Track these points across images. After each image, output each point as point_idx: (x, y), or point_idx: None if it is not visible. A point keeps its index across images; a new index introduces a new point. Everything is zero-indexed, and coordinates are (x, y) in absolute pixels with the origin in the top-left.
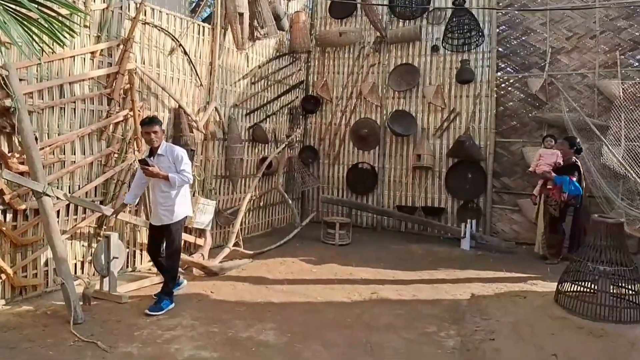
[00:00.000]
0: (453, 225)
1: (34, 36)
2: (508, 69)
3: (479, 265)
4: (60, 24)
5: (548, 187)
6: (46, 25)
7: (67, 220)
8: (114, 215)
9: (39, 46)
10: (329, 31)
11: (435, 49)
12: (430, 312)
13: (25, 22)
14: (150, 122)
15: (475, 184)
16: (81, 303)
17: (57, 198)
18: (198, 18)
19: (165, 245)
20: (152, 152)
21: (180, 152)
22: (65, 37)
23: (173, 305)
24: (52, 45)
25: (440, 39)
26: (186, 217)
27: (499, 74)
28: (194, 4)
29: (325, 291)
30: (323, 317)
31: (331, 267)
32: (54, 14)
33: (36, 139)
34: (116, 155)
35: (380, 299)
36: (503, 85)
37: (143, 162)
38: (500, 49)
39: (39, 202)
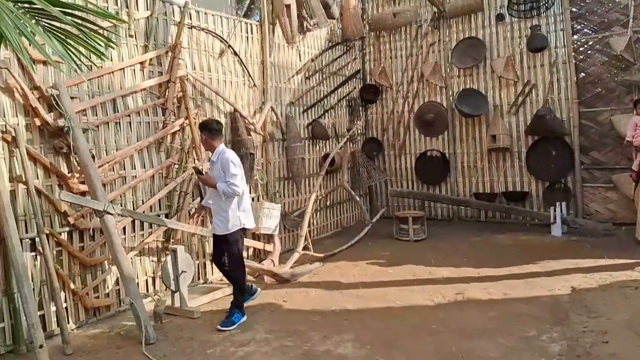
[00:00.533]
0: (540, 210)
1: (73, 51)
2: (585, 30)
3: (575, 253)
4: (100, 37)
5: None
6: (84, 39)
7: (134, 236)
8: (196, 216)
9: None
10: (382, 13)
11: (500, 17)
12: (527, 312)
13: (63, 37)
14: (199, 128)
15: (561, 162)
16: (153, 322)
17: (120, 215)
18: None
19: (225, 256)
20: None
21: (230, 159)
22: (106, 50)
23: (245, 317)
24: (98, 59)
25: (505, 6)
26: (244, 229)
27: (575, 37)
28: (245, 9)
29: (404, 294)
30: (404, 323)
31: (408, 266)
32: (94, 27)
33: (93, 157)
34: (176, 166)
35: (467, 300)
36: (581, 49)
37: (195, 169)
38: (574, 9)
39: (101, 221)
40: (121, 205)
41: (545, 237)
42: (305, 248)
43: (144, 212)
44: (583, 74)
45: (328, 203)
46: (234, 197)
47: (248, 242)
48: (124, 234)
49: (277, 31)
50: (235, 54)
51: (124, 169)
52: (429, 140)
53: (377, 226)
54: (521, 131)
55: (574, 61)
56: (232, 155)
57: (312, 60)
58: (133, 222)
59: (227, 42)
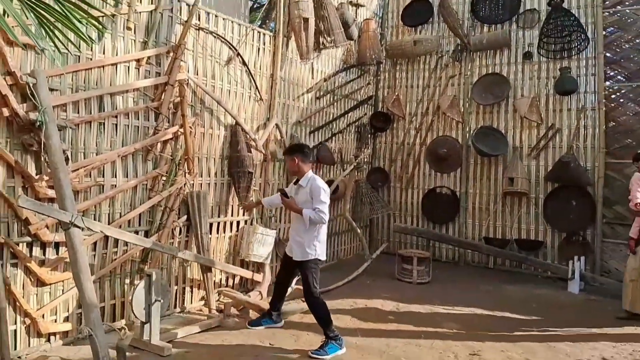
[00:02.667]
0: (554, 262)
1: (58, 34)
2: (619, 77)
3: (596, 315)
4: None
5: None
6: (70, 19)
7: (106, 253)
8: (247, 207)
9: (65, 47)
10: (402, 40)
11: (528, 55)
12: None
13: (43, 14)
14: (287, 151)
15: (581, 214)
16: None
17: (89, 229)
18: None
19: (302, 286)
20: (297, 181)
21: (321, 189)
22: (99, 41)
23: (344, 350)
24: (88, 49)
25: (535, 44)
26: (319, 259)
27: (607, 83)
28: (259, 20)
29: (410, 349)
30: None
31: (412, 313)
32: (85, 7)
33: (67, 158)
34: (164, 178)
35: None
36: (613, 96)
37: (282, 192)
38: (608, 54)
39: (66, 235)
40: (95, 218)
41: (561, 293)
42: (299, 282)
43: (120, 227)
44: (613, 123)
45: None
46: (317, 225)
47: (236, 269)
48: (94, 250)
49: (291, 45)
50: (244, 63)
51: (103, 176)
52: (440, 176)
53: (376, 263)
54: (541, 176)
55: (604, 108)
56: (323, 183)
57: (325, 80)
58: (106, 237)
59: (236, 50)
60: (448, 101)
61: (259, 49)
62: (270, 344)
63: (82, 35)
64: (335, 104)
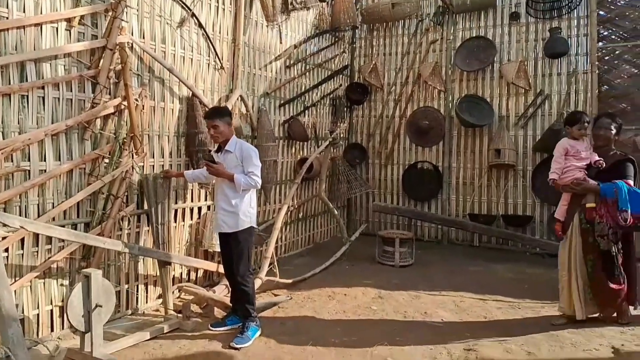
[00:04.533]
0: (543, 237)
1: None
2: (613, 36)
3: None
4: None
5: (588, 204)
6: None
7: (37, 251)
8: (164, 175)
9: None
10: (379, 3)
11: (515, 16)
12: None
13: None
14: (210, 115)
15: None
16: None
17: (4, 225)
18: None
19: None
20: (220, 147)
21: (251, 150)
22: None
23: (260, 331)
24: (2, 5)
25: (522, 3)
26: (252, 227)
27: (600, 44)
28: None
29: (396, 346)
30: None
31: (396, 301)
32: None
33: None
34: (106, 160)
35: (482, 359)
36: (607, 58)
37: (208, 158)
38: (601, 12)
39: None
40: (21, 210)
41: (553, 271)
42: (270, 272)
43: (52, 219)
44: (606, 87)
45: (300, 215)
46: (249, 191)
47: (197, 262)
48: (22, 248)
49: (255, 5)
50: (200, 26)
51: (28, 160)
52: (421, 150)
53: (355, 244)
54: (529, 147)
55: (597, 71)
56: (251, 146)
57: (295, 47)
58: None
59: (190, 10)
60: (429, 68)
61: (217, 9)
62: (235, 349)
63: None
64: (307, 74)
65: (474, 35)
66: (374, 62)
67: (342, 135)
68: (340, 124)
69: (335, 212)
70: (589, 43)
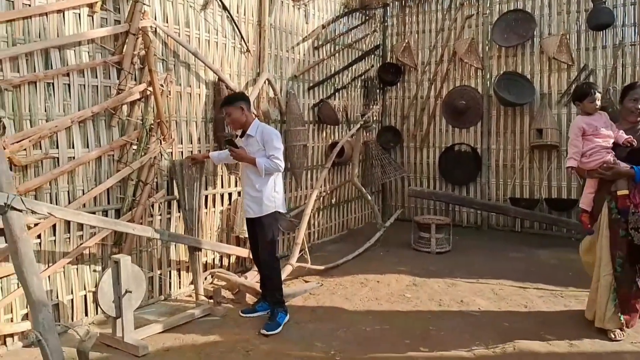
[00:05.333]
0: None
1: None
2: None
3: None
4: None
5: (619, 191)
6: None
7: (69, 238)
8: (191, 161)
9: None
10: None
11: None
12: None
13: None
14: (222, 104)
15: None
16: None
17: (32, 212)
18: None
19: (260, 245)
20: (243, 132)
21: (272, 134)
22: None
23: (288, 317)
24: None
25: None
26: (278, 212)
27: None
28: None
29: (431, 336)
30: None
31: (431, 288)
32: None
33: (4, 127)
34: (134, 147)
35: (519, 352)
36: None
37: (230, 143)
38: None
39: (4, 220)
40: (52, 197)
41: None
42: (301, 258)
43: (83, 205)
44: None
45: (333, 201)
46: (273, 174)
47: (228, 248)
48: (54, 234)
49: None
50: (225, 8)
51: (57, 147)
52: (458, 132)
53: (390, 231)
54: None
55: None
56: (273, 129)
57: (323, 27)
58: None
59: None
60: (465, 45)
61: None
62: (265, 335)
63: None
64: (336, 55)
65: (512, 8)
66: (406, 40)
67: (374, 118)
68: (372, 107)
69: (369, 197)
70: (636, 12)
